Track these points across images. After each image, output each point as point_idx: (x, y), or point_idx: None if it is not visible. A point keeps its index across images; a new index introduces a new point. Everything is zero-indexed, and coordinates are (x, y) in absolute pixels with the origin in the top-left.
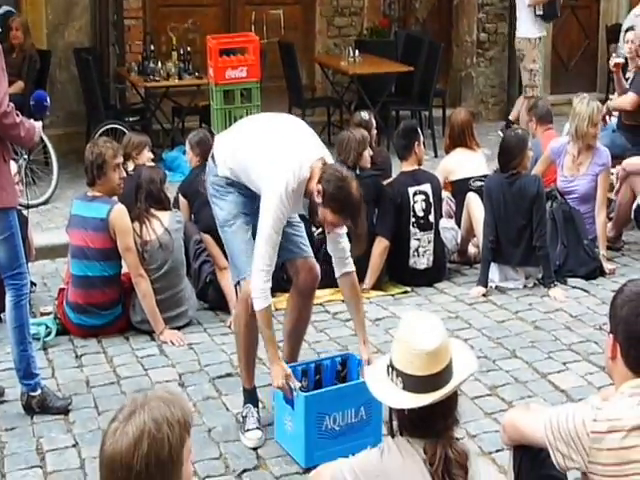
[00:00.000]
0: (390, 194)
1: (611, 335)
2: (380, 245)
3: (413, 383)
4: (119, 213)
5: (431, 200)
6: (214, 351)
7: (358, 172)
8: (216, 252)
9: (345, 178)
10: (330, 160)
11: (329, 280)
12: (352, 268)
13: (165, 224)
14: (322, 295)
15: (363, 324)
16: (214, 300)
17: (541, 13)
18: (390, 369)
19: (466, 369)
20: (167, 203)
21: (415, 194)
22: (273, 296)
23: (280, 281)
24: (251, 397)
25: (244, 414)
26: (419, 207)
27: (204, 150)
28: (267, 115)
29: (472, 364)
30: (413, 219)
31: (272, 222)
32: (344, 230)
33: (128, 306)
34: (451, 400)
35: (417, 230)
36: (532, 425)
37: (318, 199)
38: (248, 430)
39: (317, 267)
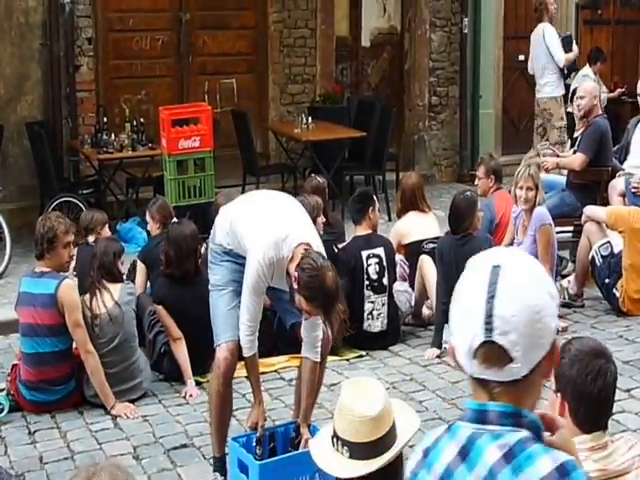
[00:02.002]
0: (344, 257)
1: (558, 394)
2: None
3: (360, 451)
4: (67, 288)
5: (384, 263)
6: (169, 422)
7: None
8: (169, 323)
9: (320, 268)
10: (317, 247)
11: (284, 347)
12: (318, 359)
13: (115, 297)
14: (277, 362)
15: (308, 412)
16: (169, 371)
17: (566, 72)
18: (335, 439)
19: (409, 428)
20: (119, 276)
21: (368, 257)
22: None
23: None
24: (220, 466)
25: None
26: (373, 270)
27: (164, 217)
28: (269, 193)
29: (414, 422)
30: (367, 282)
31: (251, 285)
32: (320, 320)
33: (81, 380)
34: (397, 460)
35: (371, 293)
36: None
37: (295, 284)
38: None
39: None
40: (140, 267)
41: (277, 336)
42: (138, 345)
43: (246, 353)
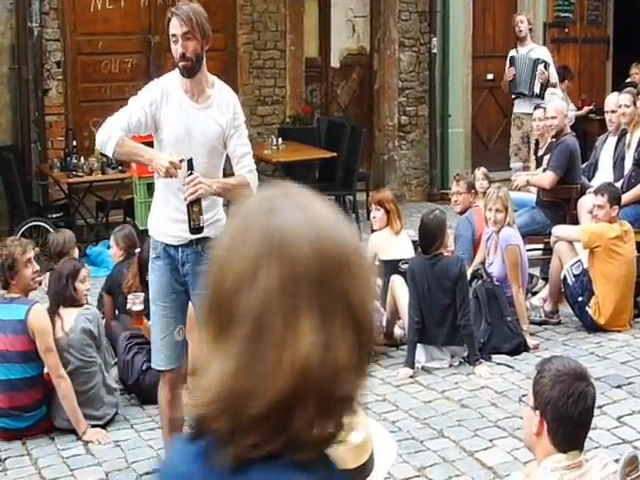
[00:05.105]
0: None
1: (537, 412)
2: None
3: None
4: (37, 313)
5: None
6: (141, 447)
7: None
8: None
9: None
10: None
11: None
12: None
13: (67, 326)
14: None
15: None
16: (149, 389)
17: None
18: None
19: (389, 453)
20: (74, 299)
21: None
22: None
23: None
24: None
25: None
26: None
27: (129, 244)
28: None
29: (392, 447)
30: None
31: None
32: None
33: (52, 406)
34: None
35: None
36: None
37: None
38: None
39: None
40: (106, 298)
41: None
42: (100, 370)
43: (109, 149)
